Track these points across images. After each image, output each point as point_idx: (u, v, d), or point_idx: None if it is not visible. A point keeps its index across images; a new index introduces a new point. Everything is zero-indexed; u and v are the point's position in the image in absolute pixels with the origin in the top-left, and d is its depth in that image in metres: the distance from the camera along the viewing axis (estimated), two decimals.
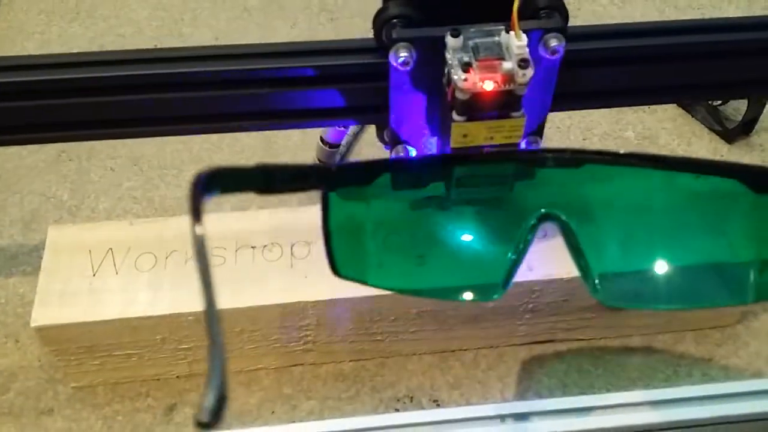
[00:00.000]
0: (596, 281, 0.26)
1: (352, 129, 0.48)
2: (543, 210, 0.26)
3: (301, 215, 0.36)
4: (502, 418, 0.34)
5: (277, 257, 0.34)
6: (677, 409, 0.35)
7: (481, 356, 0.38)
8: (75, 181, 0.46)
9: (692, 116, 0.51)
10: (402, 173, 0.27)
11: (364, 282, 0.27)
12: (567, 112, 0.52)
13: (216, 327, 0.19)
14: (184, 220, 0.37)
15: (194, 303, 0.33)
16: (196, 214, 0.20)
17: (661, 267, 0.27)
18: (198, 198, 0.20)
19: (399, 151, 0.32)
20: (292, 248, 0.35)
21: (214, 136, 0.49)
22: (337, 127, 0.41)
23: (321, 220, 0.25)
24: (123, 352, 0.35)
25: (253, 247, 0.35)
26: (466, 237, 0.29)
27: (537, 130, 0.30)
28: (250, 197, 0.45)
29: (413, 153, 0.32)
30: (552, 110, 0.29)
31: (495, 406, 0.34)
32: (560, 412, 0.34)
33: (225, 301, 0.33)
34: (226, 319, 0.33)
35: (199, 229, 0.19)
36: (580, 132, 0.50)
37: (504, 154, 0.29)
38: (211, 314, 0.19)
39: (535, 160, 0.27)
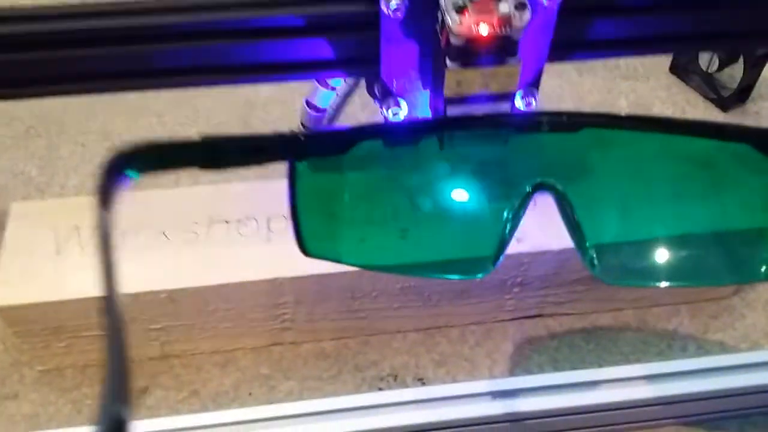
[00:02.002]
0: (594, 256, 0.25)
1: (341, 90, 0.46)
2: (537, 179, 0.25)
3: (279, 187, 0.34)
4: (491, 396, 0.32)
5: (252, 232, 0.33)
6: (672, 384, 0.33)
7: (469, 332, 0.36)
8: (44, 158, 0.44)
9: (686, 84, 0.50)
10: (382, 140, 0.25)
11: (338, 260, 0.26)
12: (558, 81, 0.51)
13: (117, 327, 0.15)
14: (157, 195, 0.35)
15: (165, 280, 0.31)
16: (105, 198, 0.17)
17: (664, 241, 0.25)
18: (111, 180, 0.17)
19: (390, 104, 0.30)
20: (268, 222, 0.33)
21: (189, 109, 0.47)
22: (325, 89, 0.39)
23: (288, 194, 0.24)
24: (91, 333, 0.33)
25: (227, 222, 0.33)
26: (453, 209, 0.27)
27: (534, 82, 0.28)
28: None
29: (404, 107, 0.30)
30: (549, 60, 0.27)
31: (483, 383, 0.32)
32: (551, 389, 0.33)
33: (197, 278, 0.31)
34: (199, 298, 0.32)
35: (104, 216, 0.17)
36: (572, 101, 0.49)
37: (495, 118, 0.27)
38: (112, 320, 0.15)
39: (529, 124, 0.25)
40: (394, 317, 0.35)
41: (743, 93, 0.46)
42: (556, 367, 0.35)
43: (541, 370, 0.35)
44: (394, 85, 0.29)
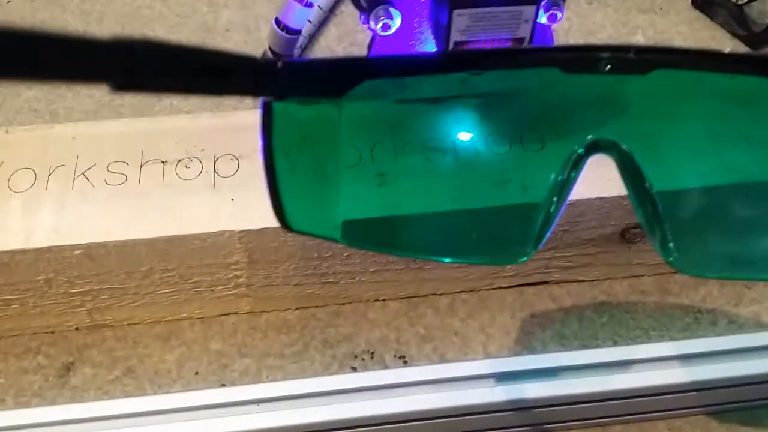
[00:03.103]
0: (670, 240, 0.18)
1: (314, 16, 0.39)
2: (594, 135, 0.18)
3: (229, 120, 0.28)
4: (486, 378, 0.27)
5: (195, 175, 0.26)
6: (701, 366, 0.28)
7: (460, 302, 0.30)
8: None
9: (711, 19, 0.43)
10: (389, 78, 0.18)
11: (334, 239, 0.20)
12: (566, 14, 0.44)
13: None
14: (77, 127, 0.28)
15: (84, 232, 0.25)
16: None
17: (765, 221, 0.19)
18: None
19: (379, 14, 0.23)
20: (215, 163, 0.27)
21: (136, 34, 0.40)
22: (299, 4, 0.32)
23: (261, 147, 0.17)
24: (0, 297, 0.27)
25: (163, 162, 0.27)
26: (483, 176, 0.21)
27: None
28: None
29: (397, 17, 0.23)
30: None
31: (476, 363, 0.27)
32: (557, 371, 0.27)
33: (126, 230, 0.25)
34: (125, 255, 0.25)
35: None
36: (581, 36, 0.42)
37: (533, 51, 0.20)
38: None
39: (580, 62, 0.17)
40: (370, 282, 0.29)
41: None
42: (563, 344, 0.29)
43: (545, 347, 0.29)
44: None
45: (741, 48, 0.42)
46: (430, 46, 0.26)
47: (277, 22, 0.33)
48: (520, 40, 0.24)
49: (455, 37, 0.23)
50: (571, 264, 0.31)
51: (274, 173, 0.18)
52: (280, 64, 0.16)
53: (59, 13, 0.41)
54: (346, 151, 0.19)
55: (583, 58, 0.17)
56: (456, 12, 0.22)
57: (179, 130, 0.27)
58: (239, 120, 0.28)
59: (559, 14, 0.22)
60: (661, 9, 0.44)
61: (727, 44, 0.42)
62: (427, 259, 0.28)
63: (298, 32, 0.34)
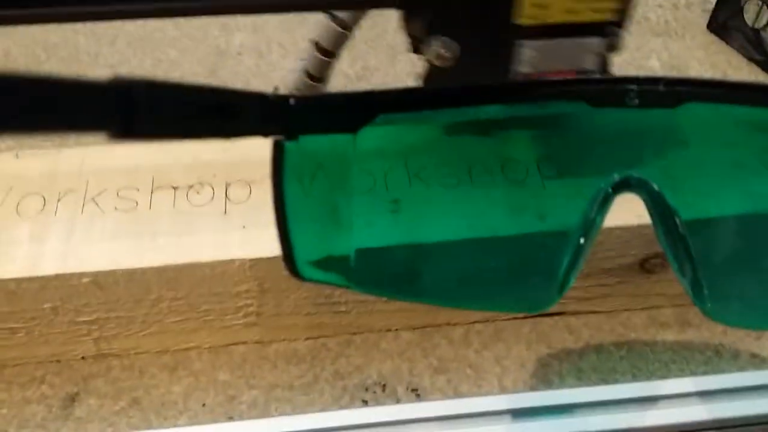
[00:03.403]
0: (704, 286, 0.18)
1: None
2: (623, 173, 0.18)
3: (242, 145, 0.27)
4: (500, 415, 0.26)
5: (206, 201, 0.26)
6: (722, 404, 0.27)
7: (474, 332, 0.30)
8: None
9: (727, 43, 0.43)
10: (410, 110, 0.18)
11: (349, 286, 0.19)
12: None
13: None
14: (87, 152, 0.28)
15: (92, 260, 0.24)
16: None
17: None
18: None
19: (434, 47, 0.22)
20: (226, 189, 0.26)
21: (149, 60, 0.40)
22: (338, 27, 0.31)
23: (272, 189, 0.17)
24: (5, 325, 0.26)
25: (174, 188, 0.26)
26: (506, 216, 0.20)
27: (620, 18, 0.21)
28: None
29: (454, 50, 0.22)
30: None
31: (491, 399, 0.26)
32: (575, 408, 0.26)
33: (136, 258, 0.24)
34: (135, 283, 0.25)
35: None
36: None
37: (559, 84, 0.19)
38: None
39: (609, 95, 0.17)
40: (383, 312, 0.28)
41: None
42: (581, 378, 0.28)
43: (562, 381, 0.28)
44: (440, 20, 0.22)
45: (758, 72, 0.41)
46: (486, 78, 0.24)
47: (315, 44, 0.31)
48: (585, 72, 0.23)
49: (517, 69, 0.22)
50: (589, 295, 0.30)
51: (284, 218, 0.17)
52: (292, 101, 0.16)
53: (71, 35, 0.41)
54: (362, 183, 0.18)
55: (611, 91, 0.16)
56: (523, 43, 0.21)
57: (191, 154, 0.27)
58: (252, 145, 0.27)
59: (616, 41, 0.21)
60: (676, 33, 0.44)
61: (744, 69, 0.41)
62: (444, 307, 0.27)
63: (335, 55, 0.32)
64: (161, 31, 0.42)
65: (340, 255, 0.19)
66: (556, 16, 0.20)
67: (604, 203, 0.18)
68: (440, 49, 0.22)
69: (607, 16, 0.20)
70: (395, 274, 0.21)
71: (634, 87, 0.16)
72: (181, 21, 0.42)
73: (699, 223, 0.17)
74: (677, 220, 0.18)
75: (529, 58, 0.21)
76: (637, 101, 0.16)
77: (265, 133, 0.16)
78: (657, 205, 0.18)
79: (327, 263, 0.19)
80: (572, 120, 0.18)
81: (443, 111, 0.18)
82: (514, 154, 0.20)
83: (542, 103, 0.18)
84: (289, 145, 0.16)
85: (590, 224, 0.18)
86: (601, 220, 0.18)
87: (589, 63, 0.22)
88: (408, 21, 0.23)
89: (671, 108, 0.16)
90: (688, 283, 0.18)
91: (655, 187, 0.17)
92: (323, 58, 0.31)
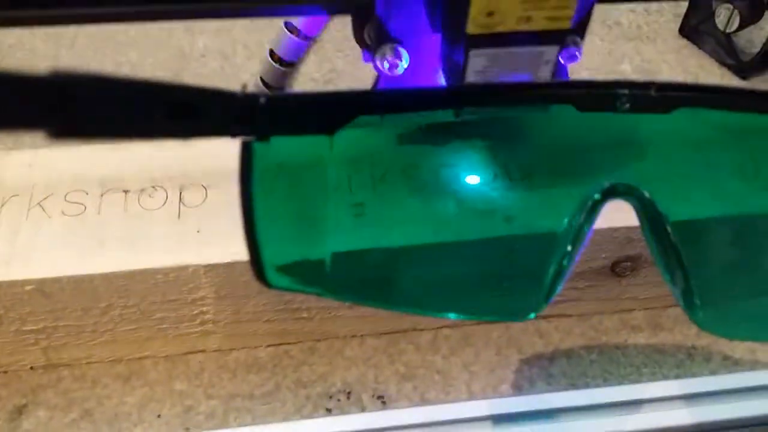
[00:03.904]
0: (695, 296, 0.17)
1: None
2: (611, 180, 0.17)
3: (197, 147, 0.26)
4: (468, 422, 0.25)
5: (159, 205, 0.25)
6: (695, 408, 0.26)
7: (442, 338, 0.29)
8: None
9: (699, 47, 0.43)
10: (385, 113, 0.17)
11: (321, 293, 0.18)
12: None
13: None
14: (35, 155, 0.27)
15: (36, 266, 0.23)
16: None
17: None
18: None
19: (386, 53, 0.22)
20: (180, 193, 0.25)
21: (109, 64, 0.39)
22: (294, 36, 0.31)
23: (240, 193, 0.16)
24: None
25: (125, 191, 0.25)
26: (489, 223, 0.19)
27: (579, 26, 0.20)
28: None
29: (405, 57, 0.22)
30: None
31: (459, 406, 0.25)
32: (545, 414, 0.25)
33: (83, 264, 0.23)
34: (82, 291, 0.24)
35: None
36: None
37: (546, 88, 0.18)
38: None
39: (598, 99, 0.16)
40: (347, 317, 0.27)
41: (767, 56, 0.40)
42: (551, 383, 0.28)
43: (532, 386, 0.28)
44: (393, 25, 0.21)
45: (730, 76, 0.41)
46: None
47: (271, 54, 0.31)
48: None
49: (471, 78, 0.21)
50: (560, 298, 0.29)
51: (252, 224, 0.16)
52: (262, 99, 0.15)
53: (28, 37, 0.40)
54: (333, 189, 0.17)
55: (601, 96, 0.15)
56: (473, 52, 0.20)
57: (144, 157, 0.26)
58: (208, 147, 0.26)
59: (577, 53, 0.21)
60: (648, 38, 0.43)
61: (716, 73, 0.41)
62: (425, 315, 0.26)
63: (292, 65, 0.32)
64: (123, 32, 0.41)
65: (311, 261, 0.18)
66: (508, 24, 0.20)
67: (593, 210, 0.17)
68: (391, 57, 0.22)
69: (564, 25, 0.19)
70: (372, 281, 0.20)
71: (624, 91, 0.16)
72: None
73: (690, 231, 0.17)
74: (668, 227, 0.17)
75: (481, 67, 0.21)
76: (627, 106, 0.16)
77: (232, 134, 0.15)
78: (647, 211, 0.17)
79: (297, 269, 0.18)
80: (560, 124, 0.17)
81: (425, 113, 0.18)
82: (501, 159, 0.19)
83: (529, 106, 0.17)
84: (259, 146, 0.15)
85: (578, 230, 0.18)
86: (590, 227, 0.17)
87: (544, 72, 0.21)
88: (359, 28, 0.23)
89: (662, 113, 0.16)
90: (679, 291, 0.18)
91: (646, 193, 0.17)
92: (282, 68, 0.31)
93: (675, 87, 0.16)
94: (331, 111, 0.16)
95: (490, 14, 0.18)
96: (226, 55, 0.39)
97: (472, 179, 0.19)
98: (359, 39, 0.23)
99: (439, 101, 0.17)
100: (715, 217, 0.17)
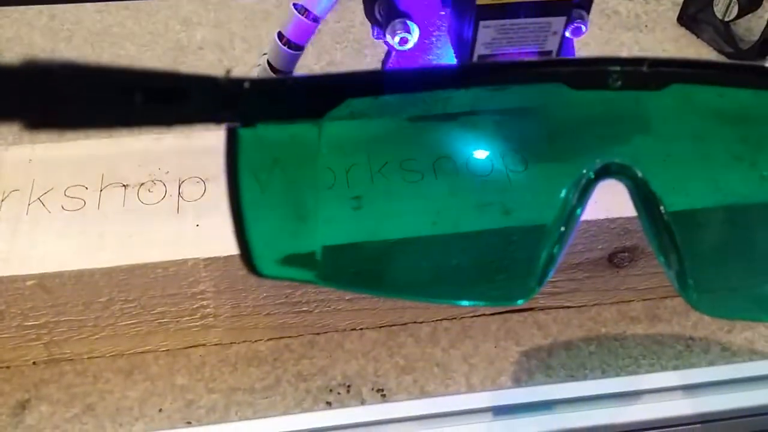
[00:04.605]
0: (690, 277, 0.17)
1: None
2: (604, 158, 0.17)
3: (196, 141, 0.26)
4: (468, 414, 0.25)
5: (158, 199, 0.25)
6: (695, 399, 0.26)
7: (441, 330, 0.29)
8: None
9: (697, 36, 0.43)
10: (376, 95, 0.16)
11: (309, 280, 0.18)
12: None
13: None
14: (34, 150, 0.27)
15: (37, 262, 0.23)
16: None
17: None
18: None
19: (397, 28, 0.22)
20: (179, 186, 0.25)
21: (107, 56, 0.39)
22: (304, 18, 0.30)
23: (226, 180, 0.16)
24: None
25: (125, 186, 0.25)
26: (479, 205, 0.19)
27: (585, 0, 0.20)
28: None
29: (415, 31, 0.22)
30: None
31: (459, 398, 0.25)
32: (544, 405, 0.26)
33: (83, 259, 0.23)
34: (83, 286, 0.24)
35: None
36: None
37: (538, 65, 0.18)
38: None
39: (588, 76, 0.16)
40: (346, 311, 0.28)
41: (766, 45, 0.40)
42: (550, 375, 0.28)
43: (531, 378, 0.28)
44: (402, 1, 0.21)
45: None
46: (449, 60, 0.24)
47: (280, 36, 0.31)
48: (548, 53, 0.22)
49: (480, 50, 0.21)
50: (558, 290, 0.29)
51: (240, 211, 0.16)
52: (247, 84, 0.15)
53: (26, 32, 0.40)
54: (323, 176, 0.17)
55: (592, 73, 0.15)
56: (482, 23, 0.20)
57: (142, 151, 0.26)
58: (207, 141, 0.26)
59: (583, 27, 0.21)
60: (646, 26, 0.43)
61: None
62: (419, 301, 0.26)
63: (302, 48, 0.32)
64: (120, 25, 0.40)
65: (303, 250, 0.18)
66: None
67: (586, 190, 0.17)
68: (401, 32, 0.22)
69: None
70: (366, 269, 0.20)
71: (616, 68, 0.15)
72: (142, 15, 0.41)
73: (684, 211, 0.17)
74: (661, 208, 0.17)
75: (490, 39, 0.21)
76: (619, 83, 0.15)
77: (217, 120, 0.15)
78: (640, 191, 0.17)
79: (289, 258, 0.18)
80: (551, 103, 0.17)
81: (412, 95, 0.17)
82: (491, 140, 0.19)
83: (519, 85, 0.17)
84: (245, 132, 0.15)
85: (571, 212, 0.17)
86: (583, 208, 0.17)
87: (552, 44, 0.21)
88: (369, 5, 0.23)
89: (655, 90, 0.15)
90: (673, 273, 0.17)
91: (639, 173, 0.17)
92: (290, 51, 0.31)
93: (667, 63, 0.15)
94: (318, 95, 0.16)
95: None
96: (223, 48, 0.39)
97: (464, 164, 0.19)
98: (370, 15, 0.23)
99: (427, 83, 0.17)
100: (710, 196, 0.17)
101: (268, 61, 0.31)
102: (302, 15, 0.29)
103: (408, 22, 0.22)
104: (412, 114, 0.18)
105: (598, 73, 0.15)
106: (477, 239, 0.19)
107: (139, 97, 0.13)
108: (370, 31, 0.26)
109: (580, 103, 0.16)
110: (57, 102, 0.13)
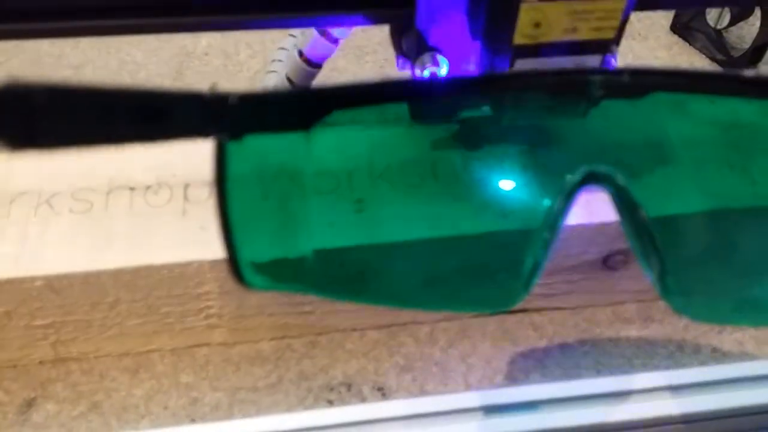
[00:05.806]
0: (670, 280, 0.17)
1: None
2: (587, 166, 0.17)
3: (200, 147, 0.27)
4: (466, 412, 0.26)
5: (164, 202, 0.25)
6: (687, 398, 0.27)
7: (440, 331, 0.30)
8: None
9: (690, 44, 0.43)
10: (361, 107, 0.17)
11: (301, 290, 0.18)
12: None
13: None
14: (39, 156, 0.27)
15: (42, 264, 0.24)
16: None
17: None
18: None
19: (425, 62, 0.22)
20: (185, 190, 0.26)
21: (114, 61, 0.40)
22: (326, 41, 0.31)
23: (215, 193, 0.16)
24: None
25: (131, 189, 0.26)
26: (461, 215, 0.19)
27: (616, 35, 0.21)
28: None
29: (444, 65, 0.22)
30: (637, 8, 0.20)
31: (457, 397, 0.26)
32: (540, 404, 0.26)
33: (90, 261, 0.24)
34: (90, 286, 0.24)
35: None
36: None
37: (520, 76, 0.19)
38: None
39: (571, 86, 0.16)
40: (347, 311, 0.28)
41: (757, 53, 0.40)
42: (545, 374, 0.29)
43: (527, 377, 0.28)
44: (433, 35, 0.21)
45: None
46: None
47: (300, 53, 0.32)
48: None
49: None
50: (553, 291, 0.30)
51: (228, 225, 0.16)
52: (231, 99, 0.15)
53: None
54: (314, 186, 0.18)
55: (574, 82, 0.16)
56: (519, 61, 0.20)
57: (149, 155, 0.26)
58: (209, 145, 0.27)
59: (613, 60, 0.21)
60: (639, 34, 0.44)
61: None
62: (408, 309, 0.27)
63: (319, 65, 0.32)
64: None
65: (292, 260, 0.18)
66: (554, 34, 0.20)
67: (569, 197, 0.18)
68: (431, 65, 0.22)
69: (608, 35, 0.20)
70: (354, 277, 0.20)
71: (598, 77, 0.16)
72: None
73: (665, 217, 0.17)
74: (643, 214, 0.17)
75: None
76: (601, 92, 0.16)
77: (204, 135, 0.16)
78: (622, 198, 0.17)
79: (277, 270, 0.18)
80: (535, 113, 0.18)
81: (399, 106, 0.18)
82: (475, 149, 0.20)
83: (505, 96, 0.17)
84: (232, 146, 0.16)
85: (555, 219, 0.18)
86: (566, 215, 0.18)
87: None
88: (396, 36, 0.23)
89: (636, 99, 0.16)
90: (656, 277, 0.18)
91: (620, 181, 0.17)
92: (309, 68, 0.31)
93: (648, 72, 0.16)
94: (304, 107, 0.16)
95: (537, 25, 0.19)
96: (228, 54, 0.40)
97: (450, 171, 0.19)
98: (397, 47, 0.23)
99: (414, 93, 0.17)
100: (691, 202, 0.18)
101: (287, 76, 0.32)
102: (322, 35, 0.30)
103: (438, 56, 0.22)
104: (401, 121, 0.19)
105: (579, 82, 0.16)
106: (463, 245, 0.20)
107: (122, 116, 0.14)
108: (395, 62, 0.26)
109: (562, 112, 0.17)
110: (39, 122, 0.13)
